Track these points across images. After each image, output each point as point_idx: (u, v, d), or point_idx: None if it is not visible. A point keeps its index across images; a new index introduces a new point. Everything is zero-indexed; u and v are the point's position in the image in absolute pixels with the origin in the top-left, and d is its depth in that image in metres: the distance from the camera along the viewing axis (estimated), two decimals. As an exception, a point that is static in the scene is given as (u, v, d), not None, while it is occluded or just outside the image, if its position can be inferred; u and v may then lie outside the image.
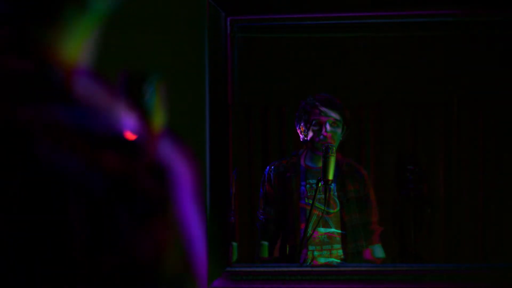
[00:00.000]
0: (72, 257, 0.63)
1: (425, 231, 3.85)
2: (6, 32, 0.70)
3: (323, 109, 3.11)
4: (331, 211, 3.09)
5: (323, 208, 3.02)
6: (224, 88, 2.62)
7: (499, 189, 4.17)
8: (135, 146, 0.67)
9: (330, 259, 3.08)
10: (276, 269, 2.63)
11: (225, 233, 2.62)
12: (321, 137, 3.09)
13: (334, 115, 3.11)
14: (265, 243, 3.19)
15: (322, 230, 3.09)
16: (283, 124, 4.34)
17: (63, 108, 0.66)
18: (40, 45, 0.71)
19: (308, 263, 3.01)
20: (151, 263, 0.65)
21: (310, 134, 3.13)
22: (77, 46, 0.75)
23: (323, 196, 2.99)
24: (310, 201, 3.03)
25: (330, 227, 3.10)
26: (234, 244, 2.79)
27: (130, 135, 0.68)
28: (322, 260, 3.07)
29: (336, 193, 3.11)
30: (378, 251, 3.16)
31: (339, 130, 3.12)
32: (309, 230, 3.01)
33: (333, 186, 3.07)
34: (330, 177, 2.92)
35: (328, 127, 3.09)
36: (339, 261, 3.07)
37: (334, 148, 2.97)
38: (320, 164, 3.03)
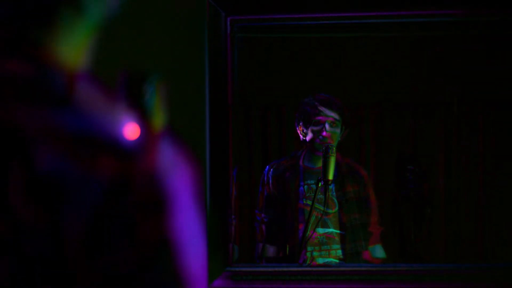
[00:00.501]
0: (67, 262, 0.63)
1: (425, 231, 3.85)
2: (4, 34, 0.70)
3: (323, 109, 3.11)
4: (330, 211, 3.09)
5: (322, 209, 3.02)
6: (224, 88, 2.62)
7: (499, 189, 4.17)
8: (134, 149, 0.67)
9: (329, 260, 3.08)
10: (276, 269, 2.63)
11: (225, 233, 2.62)
12: (321, 137, 3.09)
13: (334, 115, 3.11)
14: (268, 246, 3.19)
15: (321, 230, 3.09)
16: (283, 124, 4.34)
17: (62, 112, 0.66)
18: (39, 48, 0.71)
19: (307, 264, 3.01)
20: (146, 266, 0.65)
21: (310, 134, 3.12)
22: (76, 49, 0.75)
23: (322, 196, 2.99)
24: (309, 202, 3.03)
25: (329, 228, 3.10)
26: (235, 247, 2.79)
27: (130, 134, 0.68)
28: (320, 261, 3.07)
29: (334, 194, 3.11)
30: (378, 252, 3.16)
31: (338, 130, 3.12)
32: (308, 231, 3.01)
33: (331, 186, 3.07)
34: (330, 177, 2.92)
35: (327, 127, 3.09)
36: (337, 261, 3.07)
37: (334, 148, 2.97)
38: (319, 165, 3.03)
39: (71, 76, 0.71)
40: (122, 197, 0.65)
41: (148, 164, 0.67)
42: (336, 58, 4.22)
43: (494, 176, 4.20)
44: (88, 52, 0.76)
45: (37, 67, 0.69)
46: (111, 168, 0.65)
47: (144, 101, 1.23)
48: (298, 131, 3.18)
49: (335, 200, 3.11)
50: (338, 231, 3.10)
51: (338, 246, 3.10)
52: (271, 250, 3.17)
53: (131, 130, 0.68)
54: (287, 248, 3.13)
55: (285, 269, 2.63)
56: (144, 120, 0.71)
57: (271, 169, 3.20)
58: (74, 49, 0.74)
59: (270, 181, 3.18)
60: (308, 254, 3.08)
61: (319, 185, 2.94)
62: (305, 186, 3.14)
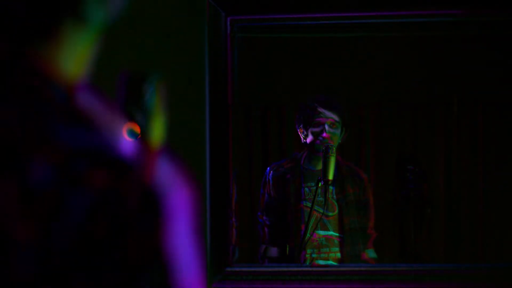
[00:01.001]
0: (58, 277, 0.63)
1: (425, 231, 3.84)
2: (3, 46, 0.70)
3: (322, 110, 3.11)
4: (330, 214, 3.09)
5: (322, 211, 3.02)
6: (224, 88, 2.62)
7: (499, 189, 4.17)
8: (126, 163, 0.66)
9: (328, 262, 3.08)
10: (276, 269, 2.63)
11: (225, 233, 2.62)
12: (321, 138, 3.09)
13: (334, 116, 3.11)
14: (271, 248, 3.19)
15: (321, 232, 3.09)
16: (283, 124, 4.34)
17: (59, 125, 0.66)
18: (40, 60, 0.71)
19: (307, 265, 3.01)
20: (141, 277, 0.65)
21: (310, 135, 3.13)
22: (77, 60, 0.74)
23: (322, 198, 2.99)
24: (310, 204, 3.03)
25: (329, 230, 3.10)
26: (235, 247, 2.78)
27: (130, 134, 0.68)
28: (320, 263, 3.07)
29: (335, 196, 3.11)
30: (370, 255, 3.18)
31: (338, 132, 3.12)
32: (308, 233, 3.01)
33: (332, 189, 3.07)
34: (330, 177, 2.92)
35: (327, 128, 3.09)
36: (336, 264, 3.07)
37: (334, 148, 2.97)
38: (320, 167, 3.03)
39: (71, 87, 0.71)
40: (116, 205, 0.64)
41: (146, 174, 0.66)
42: (336, 58, 4.22)
43: (494, 176, 4.20)
44: (89, 62, 0.76)
45: (38, 79, 0.69)
46: (105, 181, 0.64)
47: (144, 101, 1.23)
48: (299, 132, 3.18)
49: (336, 203, 3.11)
50: (337, 234, 3.10)
51: (338, 249, 3.10)
52: (273, 252, 3.17)
53: (131, 130, 0.67)
54: (287, 248, 3.13)
55: (285, 269, 2.63)
56: (144, 122, 0.70)
57: (272, 171, 3.20)
58: (75, 59, 0.74)
59: (271, 183, 3.18)
60: (308, 256, 3.08)
61: (319, 185, 2.94)
62: (306, 188, 3.14)
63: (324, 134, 3.08)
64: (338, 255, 3.09)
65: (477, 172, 4.23)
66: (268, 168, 3.25)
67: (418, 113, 4.31)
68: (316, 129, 3.11)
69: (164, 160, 0.69)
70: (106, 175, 0.65)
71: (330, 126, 3.10)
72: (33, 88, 0.68)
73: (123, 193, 0.65)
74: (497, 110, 4.19)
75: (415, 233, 3.74)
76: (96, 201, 0.64)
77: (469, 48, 4.10)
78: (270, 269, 2.63)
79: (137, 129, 0.65)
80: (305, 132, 3.14)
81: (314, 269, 2.67)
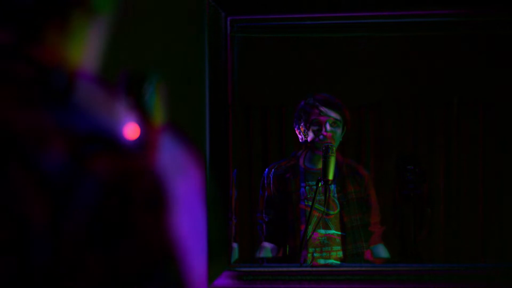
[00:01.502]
0: (68, 262, 0.63)
1: (425, 231, 3.84)
2: (8, 35, 0.70)
3: (323, 109, 3.10)
4: (331, 212, 3.09)
5: (322, 210, 3.02)
6: (224, 88, 2.62)
7: (499, 189, 4.17)
8: (135, 148, 0.67)
9: (330, 261, 3.08)
10: (276, 269, 2.63)
11: (225, 233, 2.62)
12: (321, 137, 3.09)
13: (334, 115, 3.11)
14: (267, 244, 3.19)
15: (322, 231, 3.09)
16: (283, 124, 4.34)
17: (64, 113, 0.66)
18: (45, 49, 0.71)
19: (308, 264, 3.01)
20: (147, 266, 0.65)
21: (310, 134, 3.12)
22: (83, 50, 0.75)
23: (323, 197, 2.99)
24: (310, 203, 3.03)
25: (330, 229, 3.10)
26: (235, 245, 2.79)
27: (130, 134, 0.68)
28: (321, 262, 3.07)
29: (336, 195, 3.10)
30: (381, 251, 3.16)
31: (338, 130, 3.12)
32: (309, 232, 3.01)
33: (332, 187, 3.07)
34: (330, 177, 2.92)
35: (328, 127, 3.09)
36: (338, 262, 3.07)
37: (334, 148, 2.97)
38: (320, 165, 3.03)
39: (73, 75, 0.71)
40: (123, 196, 0.65)
41: (149, 162, 0.67)
42: (336, 58, 4.22)
43: (494, 176, 4.20)
44: (94, 51, 0.76)
45: (39, 67, 0.69)
46: (112, 167, 0.65)
47: (144, 101, 1.23)
48: (297, 132, 3.18)
49: (337, 202, 3.11)
50: (339, 233, 3.10)
51: (339, 247, 3.10)
52: (271, 249, 3.17)
53: (131, 130, 0.68)
54: (287, 248, 3.13)
55: (285, 269, 2.63)
56: (144, 119, 0.71)
57: (271, 171, 3.20)
58: (80, 48, 0.74)
59: (271, 182, 3.17)
60: (309, 255, 3.08)
61: (319, 185, 2.94)
62: (306, 187, 3.14)
63: (325, 133, 3.08)
64: (340, 254, 3.09)
65: (477, 171, 4.23)
66: (266, 169, 3.25)
67: (418, 113, 4.31)
68: (317, 128, 3.10)
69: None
70: (114, 160, 0.65)
71: (331, 124, 3.10)
72: (38, 75, 0.68)
73: (131, 179, 0.65)
74: (497, 110, 4.19)
75: (415, 233, 3.74)
76: (106, 185, 0.64)
77: (469, 48, 4.09)
78: (270, 269, 2.63)
79: (137, 129, 0.66)
80: (305, 131, 3.14)
81: (314, 269, 2.67)
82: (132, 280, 0.64)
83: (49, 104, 0.67)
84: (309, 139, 3.13)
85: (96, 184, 0.64)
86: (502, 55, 3.90)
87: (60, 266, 0.63)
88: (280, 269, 2.63)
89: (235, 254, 2.78)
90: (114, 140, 0.67)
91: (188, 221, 0.69)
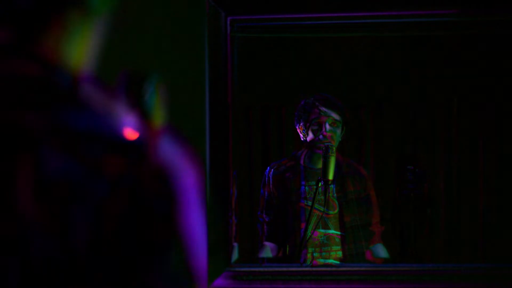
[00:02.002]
0: (75, 261, 0.63)
1: (425, 231, 3.85)
2: (10, 35, 0.70)
3: (323, 109, 3.10)
4: (331, 212, 3.09)
5: (322, 210, 3.02)
6: (224, 88, 2.62)
7: (499, 189, 4.17)
8: (138, 148, 0.67)
9: (329, 260, 3.08)
10: (276, 269, 2.63)
11: (225, 233, 2.62)
12: (321, 136, 3.09)
13: (334, 115, 3.11)
14: (267, 244, 3.19)
15: (322, 231, 3.09)
16: (283, 124, 4.34)
17: (69, 112, 0.66)
18: (45, 48, 0.71)
19: (307, 264, 3.01)
20: (154, 264, 0.65)
21: (310, 134, 3.12)
22: (82, 50, 0.75)
23: (323, 197, 2.99)
24: (310, 202, 3.03)
25: (330, 228, 3.10)
26: (235, 244, 2.79)
27: (131, 134, 0.68)
28: (321, 261, 3.07)
29: (335, 195, 3.10)
30: (380, 251, 3.16)
31: (338, 130, 3.12)
32: (309, 231, 3.01)
33: (332, 187, 3.07)
34: (330, 177, 2.92)
35: (327, 126, 3.09)
36: (338, 262, 3.07)
37: (334, 148, 2.97)
38: (320, 165, 3.03)
39: (76, 75, 0.71)
40: (130, 195, 0.65)
41: (152, 165, 0.67)
42: (336, 58, 4.22)
43: (494, 176, 4.20)
44: (93, 51, 0.77)
45: (43, 67, 0.69)
46: (118, 166, 0.65)
47: (144, 101, 1.23)
48: (298, 131, 3.18)
49: (336, 201, 3.11)
50: (338, 232, 3.10)
51: (339, 247, 3.10)
52: (271, 249, 3.17)
53: (129, 132, 0.68)
54: (287, 248, 3.13)
55: (285, 269, 2.63)
56: (144, 120, 0.71)
57: (272, 170, 3.20)
58: (80, 48, 0.74)
59: (271, 182, 3.18)
60: (309, 255, 3.08)
61: (319, 185, 2.94)
62: (307, 187, 3.14)
63: (325, 133, 3.08)
64: (339, 253, 3.09)
65: (477, 171, 4.23)
66: (268, 167, 3.25)
67: (418, 113, 4.31)
68: (317, 128, 3.11)
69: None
70: (120, 160, 0.65)
71: (330, 124, 3.10)
72: (40, 75, 0.69)
73: (138, 176, 0.66)
74: (497, 110, 4.19)
75: (415, 233, 3.74)
76: (112, 185, 0.64)
77: (469, 48, 4.10)
78: (270, 269, 2.63)
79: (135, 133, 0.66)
80: (305, 131, 3.14)
81: (314, 269, 2.67)
82: (139, 276, 0.65)
83: (54, 104, 0.67)
84: (308, 139, 3.13)
85: (100, 183, 0.64)
86: (502, 55, 3.90)
87: (67, 265, 0.63)
88: (280, 269, 2.63)
89: (235, 254, 2.78)
90: (115, 140, 0.67)
91: (188, 221, 0.69)
